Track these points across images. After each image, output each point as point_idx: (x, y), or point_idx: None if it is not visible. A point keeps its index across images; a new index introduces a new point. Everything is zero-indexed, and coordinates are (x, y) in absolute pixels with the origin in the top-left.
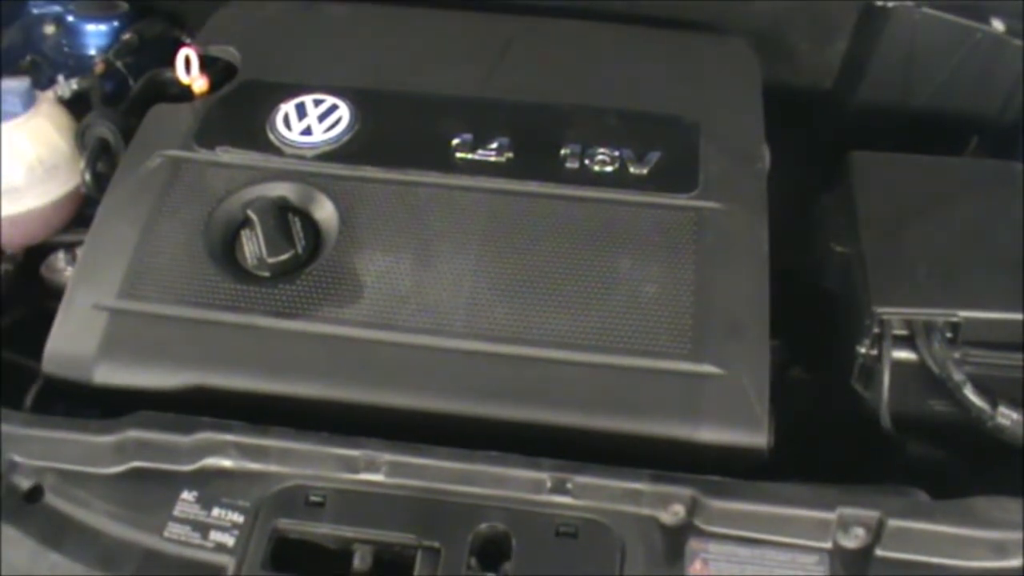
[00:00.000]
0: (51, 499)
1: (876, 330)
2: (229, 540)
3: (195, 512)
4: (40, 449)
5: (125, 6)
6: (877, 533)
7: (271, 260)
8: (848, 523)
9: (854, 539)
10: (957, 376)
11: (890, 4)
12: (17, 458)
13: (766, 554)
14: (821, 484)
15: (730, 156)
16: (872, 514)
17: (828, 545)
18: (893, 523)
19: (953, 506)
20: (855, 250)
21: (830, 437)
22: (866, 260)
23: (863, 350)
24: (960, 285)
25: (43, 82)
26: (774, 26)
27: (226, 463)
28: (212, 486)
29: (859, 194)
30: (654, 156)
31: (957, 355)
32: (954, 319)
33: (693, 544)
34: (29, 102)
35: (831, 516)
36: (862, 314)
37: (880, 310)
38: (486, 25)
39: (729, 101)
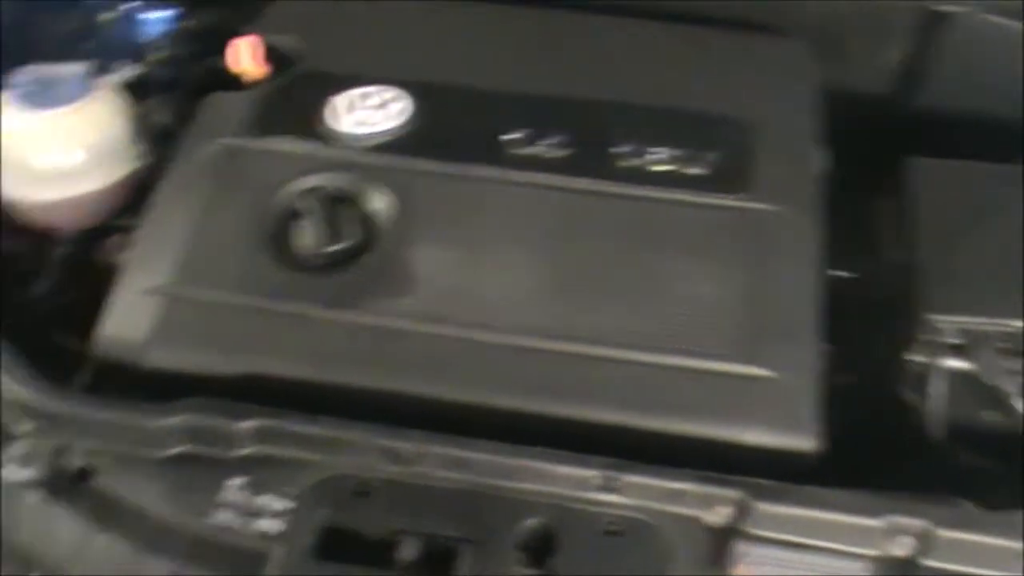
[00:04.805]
0: (102, 480)
1: (929, 338)
2: (276, 527)
3: (243, 499)
4: (92, 430)
5: None
6: (925, 543)
7: (324, 250)
8: (895, 531)
9: (901, 548)
10: (1009, 387)
11: (950, 8)
12: (69, 438)
13: (811, 559)
14: (869, 491)
15: (785, 158)
16: (920, 523)
17: (874, 553)
18: (941, 533)
19: (1003, 518)
20: (910, 256)
21: (878, 444)
22: (921, 267)
23: (915, 358)
24: (1016, 295)
25: (102, 68)
26: (833, 28)
27: (275, 451)
28: (261, 473)
29: (916, 200)
30: (709, 156)
31: (1011, 365)
32: (1009, 329)
33: (738, 547)
34: (87, 87)
35: (879, 524)
36: (915, 321)
37: (934, 318)
38: (544, 20)
39: (785, 103)
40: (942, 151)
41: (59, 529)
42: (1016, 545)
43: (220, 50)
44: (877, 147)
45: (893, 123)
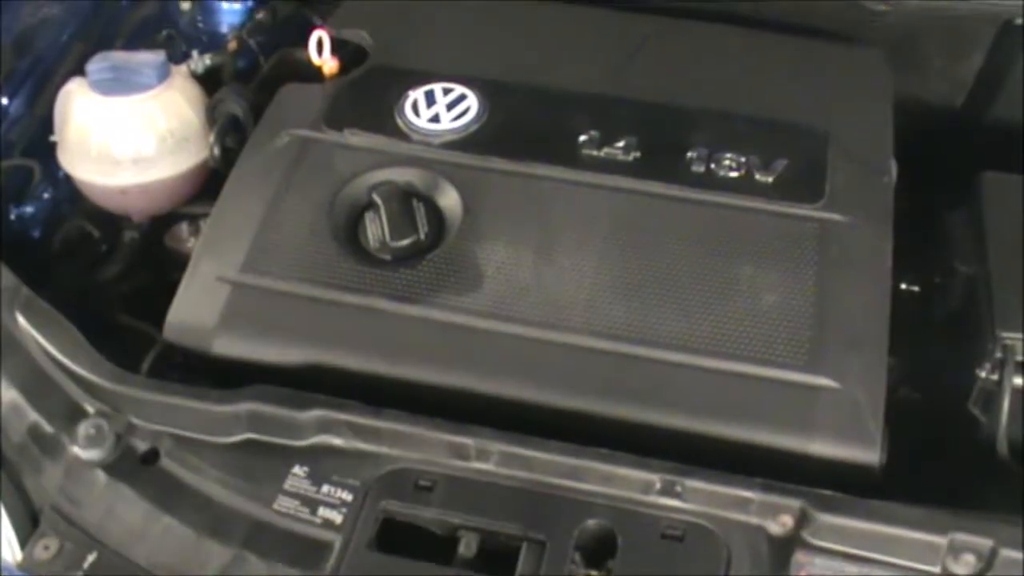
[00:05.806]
0: (166, 463)
1: (998, 354)
2: (337, 517)
3: (305, 487)
4: (159, 414)
5: None
6: (989, 562)
7: (394, 244)
8: (959, 549)
9: (964, 566)
10: None
11: None
12: (136, 420)
13: (873, 573)
14: (933, 507)
15: (857, 168)
16: (985, 542)
17: (936, 570)
18: (1006, 553)
19: None
20: (981, 271)
21: (941, 460)
22: (992, 282)
23: (984, 374)
24: None
25: (177, 56)
26: (909, 39)
27: (338, 441)
28: (323, 463)
29: (988, 215)
30: (781, 164)
31: None
32: None
33: (799, 557)
34: (163, 75)
35: (942, 540)
36: (985, 337)
37: (1004, 334)
38: (619, 23)
39: (859, 113)
40: (1015, 165)
41: (123, 509)
42: None
43: (294, 42)
44: (950, 159)
45: (966, 135)
